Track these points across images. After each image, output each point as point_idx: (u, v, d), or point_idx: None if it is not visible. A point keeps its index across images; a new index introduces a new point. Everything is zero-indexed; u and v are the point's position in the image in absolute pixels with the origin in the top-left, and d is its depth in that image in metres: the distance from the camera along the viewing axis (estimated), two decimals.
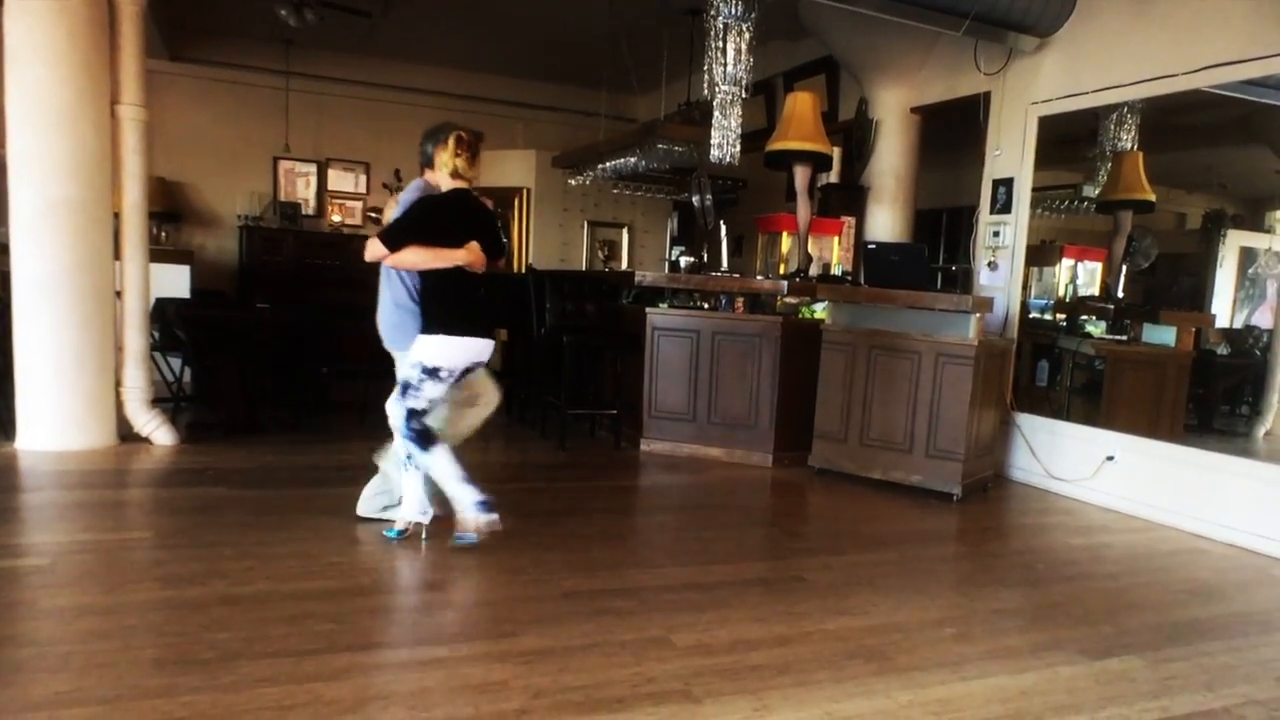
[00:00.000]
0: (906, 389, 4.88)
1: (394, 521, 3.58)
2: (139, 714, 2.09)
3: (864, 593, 3.28)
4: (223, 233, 9.36)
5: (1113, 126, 5.38)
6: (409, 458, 3.45)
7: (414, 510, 3.52)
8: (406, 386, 3.42)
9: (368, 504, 3.77)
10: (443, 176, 3.47)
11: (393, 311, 3.58)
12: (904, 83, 6.53)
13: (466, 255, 3.41)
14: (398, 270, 3.49)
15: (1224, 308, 5.38)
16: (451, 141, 3.42)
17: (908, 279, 4.97)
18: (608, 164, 8.11)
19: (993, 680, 2.59)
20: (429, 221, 3.43)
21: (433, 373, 3.39)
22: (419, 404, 3.42)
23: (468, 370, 3.54)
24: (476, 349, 3.48)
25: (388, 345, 3.66)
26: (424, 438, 3.42)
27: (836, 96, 7.59)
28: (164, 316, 5.56)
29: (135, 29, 4.94)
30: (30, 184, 4.61)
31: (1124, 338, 5.61)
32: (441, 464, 3.40)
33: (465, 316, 3.46)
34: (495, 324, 3.51)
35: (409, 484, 3.51)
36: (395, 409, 3.43)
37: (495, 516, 3.41)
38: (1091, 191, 5.80)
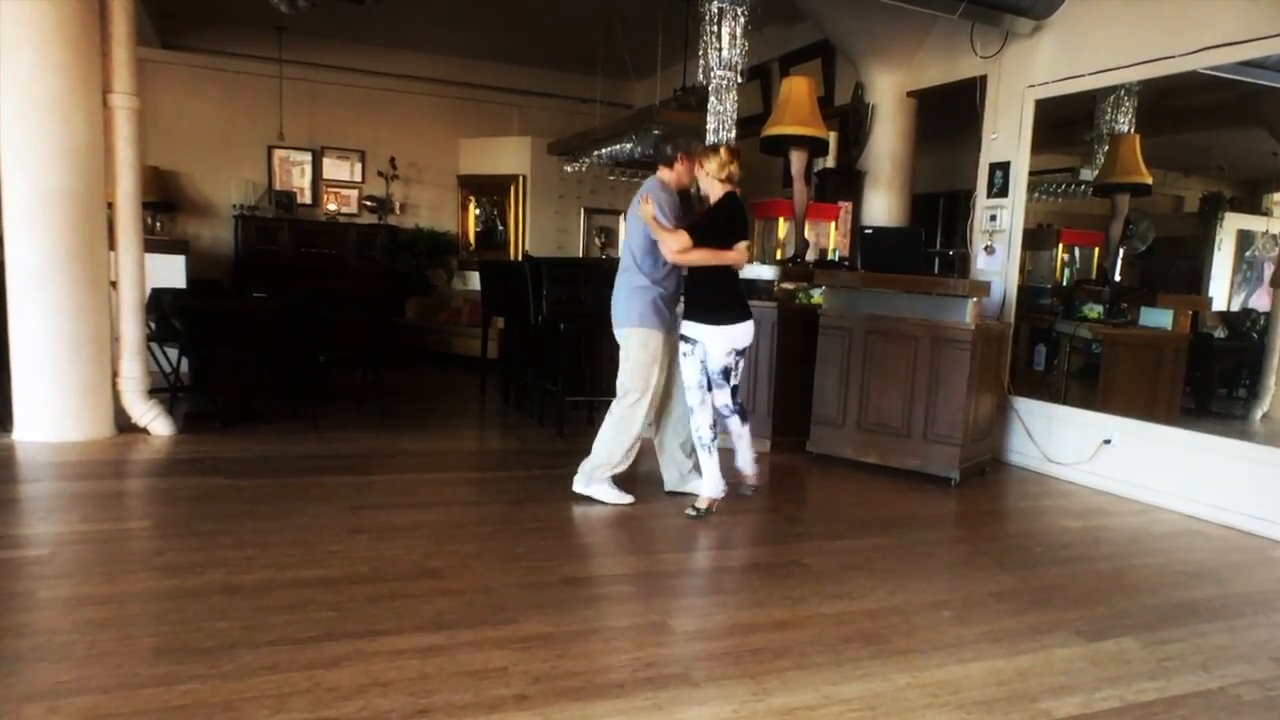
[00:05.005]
0: (904, 374, 4.88)
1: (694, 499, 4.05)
2: (139, 703, 2.10)
3: (862, 577, 3.29)
4: (218, 222, 9.33)
5: (1109, 109, 5.37)
6: (713, 440, 3.94)
7: (717, 488, 3.97)
8: (728, 372, 3.93)
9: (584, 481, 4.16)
10: (711, 182, 3.89)
11: (638, 294, 4.02)
12: (900, 66, 6.50)
13: (738, 256, 3.87)
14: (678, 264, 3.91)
15: (1221, 290, 5.39)
16: (725, 152, 3.87)
17: (905, 264, 4.97)
18: (603, 150, 8.06)
19: (990, 662, 2.60)
20: (729, 222, 3.86)
21: (742, 352, 3.98)
22: (738, 379, 4.00)
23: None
24: (752, 330, 3.99)
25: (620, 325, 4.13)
26: (744, 410, 4.10)
27: (832, 81, 7.56)
28: (160, 307, 5.54)
29: (126, 16, 4.90)
30: (22, 172, 4.59)
31: (1121, 321, 5.60)
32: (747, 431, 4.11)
33: (744, 304, 3.96)
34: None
35: (710, 465, 3.96)
36: (723, 396, 3.95)
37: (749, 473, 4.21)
38: (1088, 175, 5.79)
